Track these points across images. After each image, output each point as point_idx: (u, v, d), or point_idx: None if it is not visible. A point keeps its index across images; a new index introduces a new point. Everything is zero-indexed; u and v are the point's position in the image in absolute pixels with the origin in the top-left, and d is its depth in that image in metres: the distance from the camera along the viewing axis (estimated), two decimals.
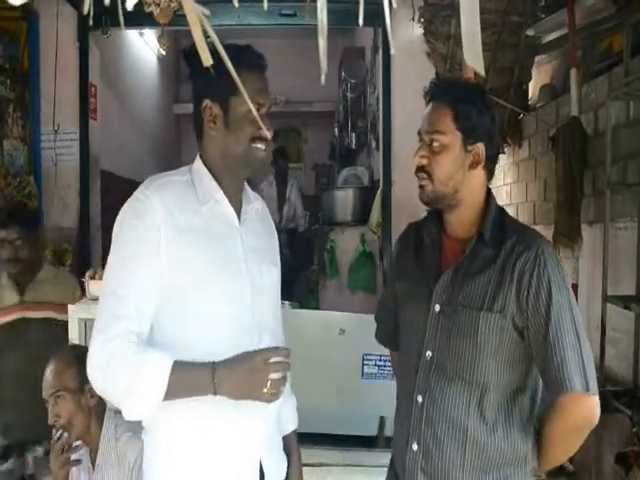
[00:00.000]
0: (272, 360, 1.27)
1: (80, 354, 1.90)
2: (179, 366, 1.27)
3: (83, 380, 1.85)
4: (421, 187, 1.42)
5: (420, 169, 1.41)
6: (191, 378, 1.29)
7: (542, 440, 1.39)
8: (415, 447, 1.42)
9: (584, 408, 1.30)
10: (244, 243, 1.45)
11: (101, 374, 1.30)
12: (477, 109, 1.39)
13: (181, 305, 1.37)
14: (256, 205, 1.55)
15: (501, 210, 1.46)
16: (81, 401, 1.89)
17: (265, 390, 1.26)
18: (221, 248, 1.42)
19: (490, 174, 1.45)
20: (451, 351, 1.38)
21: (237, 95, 1.35)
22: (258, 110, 1.37)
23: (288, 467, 1.62)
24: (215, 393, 1.27)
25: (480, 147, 1.40)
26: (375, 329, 1.73)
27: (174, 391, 1.27)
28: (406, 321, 1.51)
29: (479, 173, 1.42)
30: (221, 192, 1.43)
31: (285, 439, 1.63)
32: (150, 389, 1.26)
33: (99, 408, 1.92)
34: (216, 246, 1.41)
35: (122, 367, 1.27)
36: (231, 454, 1.42)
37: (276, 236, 1.65)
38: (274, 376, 1.27)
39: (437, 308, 1.41)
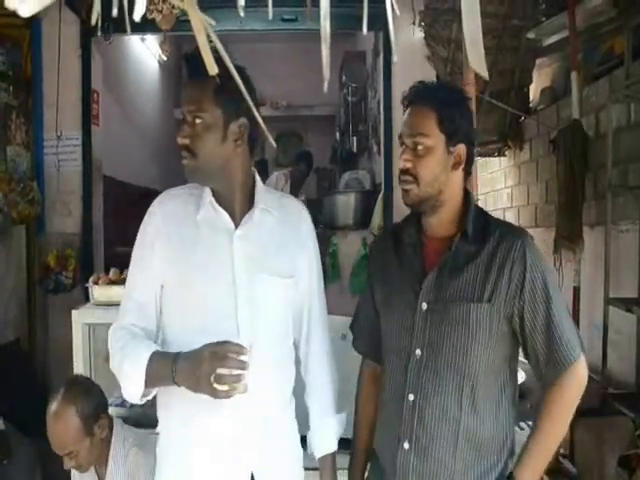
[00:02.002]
0: (220, 354, 1.26)
1: (80, 392, 1.87)
2: (155, 356, 1.36)
3: (91, 422, 1.83)
4: (405, 191, 1.46)
5: (405, 172, 1.44)
6: (160, 367, 1.35)
7: (544, 423, 1.39)
8: (406, 446, 1.43)
9: (583, 367, 1.39)
10: (237, 249, 1.46)
11: (110, 354, 1.45)
12: (459, 111, 1.43)
13: (171, 306, 1.48)
14: (268, 213, 1.52)
15: (479, 208, 1.51)
16: (93, 441, 1.86)
17: (214, 385, 1.25)
18: (206, 253, 1.45)
19: (467, 174, 1.50)
20: (442, 347, 1.40)
21: None
22: (183, 119, 1.42)
23: None
24: (176, 383, 1.32)
25: (462, 148, 1.44)
26: (353, 341, 1.70)
27: (151, 379, 1.35)
28: (391, 323, 1.51)
29: (459, 173, 1.47)
30: (212, 197, 1.46)
31: (318, 461, 1.64)
32: (132, 375, 1.36)
33: (108, 430, 1.91)
34: (201, 251, 1.45)
35: (118, 352, 1.41)
36: (217, 465, 1.44)
37: (302, 246, 1.58)
38: (222, 371, 1.25)
39: (424, 306, 1.43)
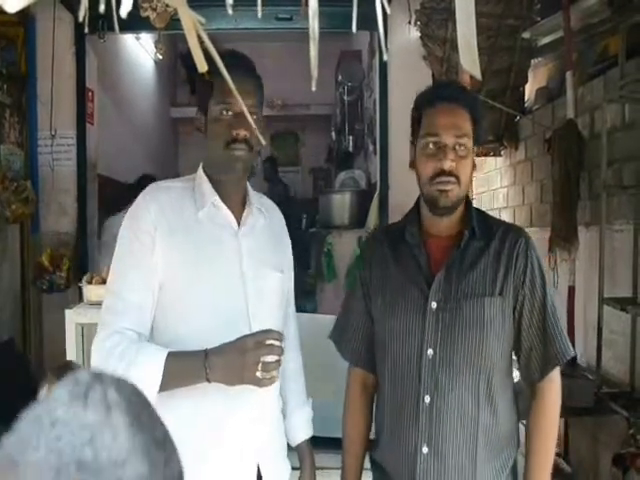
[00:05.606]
0: (264, 342, 1.27)
1: (71, 373, 1.87)
2: (173, 356, 1.30)
3: None
4: (445, 192, 1.40)
5: (449, 173, 1.39)
6: (184, 366, 1.31)
7: (540, 429, 1.42)
8: (425, 450, 1.40)
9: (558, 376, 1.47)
10: (242, 246, 1.46)
11: (106, 362, 1.32)
12: (480, 112, 1.45)
13: (173, 305, 1.41)
14: (261, 212, 1.55)
15: (477, 207, 1.55)
16: None
17: (258, 373, 1.25)
18: (214, 251, 1.44)
19: None
20: (456, 344, 1.40)
21: (211, 98, 1.41)
22: (227, 111, 1.40)
23: (300, 476, 1.63)
24: (208, 380, 1.28)
25: (475, 149, 1.45)
26: (342, 349, 1.62)
27: (169, 381, 1.29)
28: (395, 327, 1.47)
29: None
30: (217, 196, 1.45)
31: (297, 448, 1.65)
32: (145, 380, 1.26)
33: None
34: (209, 249, 1.43)
35: (118, 361, 1.29)
36: (226, 458, 1.43)
37: (286, 243, 1.67)
38: (267, 358, 1.25)
39: (434, 306, 1.42)
